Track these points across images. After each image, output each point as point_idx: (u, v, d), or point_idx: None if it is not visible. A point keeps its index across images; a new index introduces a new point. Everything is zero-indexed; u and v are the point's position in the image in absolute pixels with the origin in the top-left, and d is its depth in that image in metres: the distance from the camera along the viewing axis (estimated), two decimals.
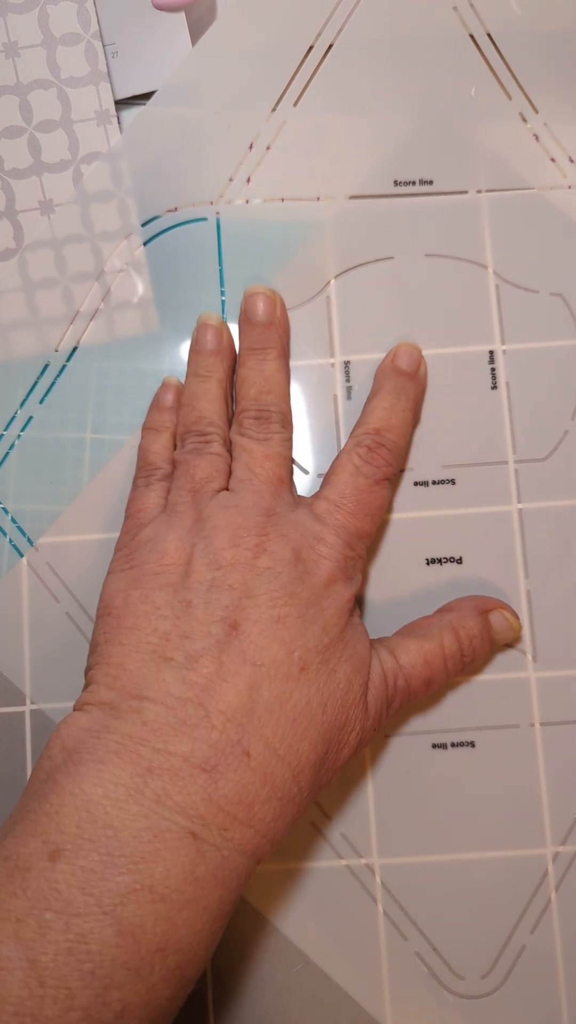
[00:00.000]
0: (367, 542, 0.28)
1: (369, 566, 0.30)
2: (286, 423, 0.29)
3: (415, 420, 0.31)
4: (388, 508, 0.30)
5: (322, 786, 0.26)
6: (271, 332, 0.30)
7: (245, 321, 0.31)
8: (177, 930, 0.21)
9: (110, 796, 0.22)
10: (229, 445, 0.29)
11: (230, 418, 0.30)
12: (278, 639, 0.25)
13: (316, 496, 0.28)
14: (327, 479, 0.29)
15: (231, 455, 0.29)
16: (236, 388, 0.30)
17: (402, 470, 0.31)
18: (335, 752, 0.25)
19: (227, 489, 0.28)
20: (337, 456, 0.29)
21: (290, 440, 0.30)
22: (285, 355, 0.31)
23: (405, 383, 0.30)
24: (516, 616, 0.29)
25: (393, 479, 0.29)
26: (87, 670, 0.26)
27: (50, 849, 0.21)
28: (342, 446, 0.30)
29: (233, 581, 0.25)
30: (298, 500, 0.28)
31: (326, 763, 0.25)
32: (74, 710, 0.25)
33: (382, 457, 0.28)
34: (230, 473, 0.28)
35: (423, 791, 0.30)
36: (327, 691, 0.25)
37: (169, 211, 0.32)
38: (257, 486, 0.27)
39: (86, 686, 0.25)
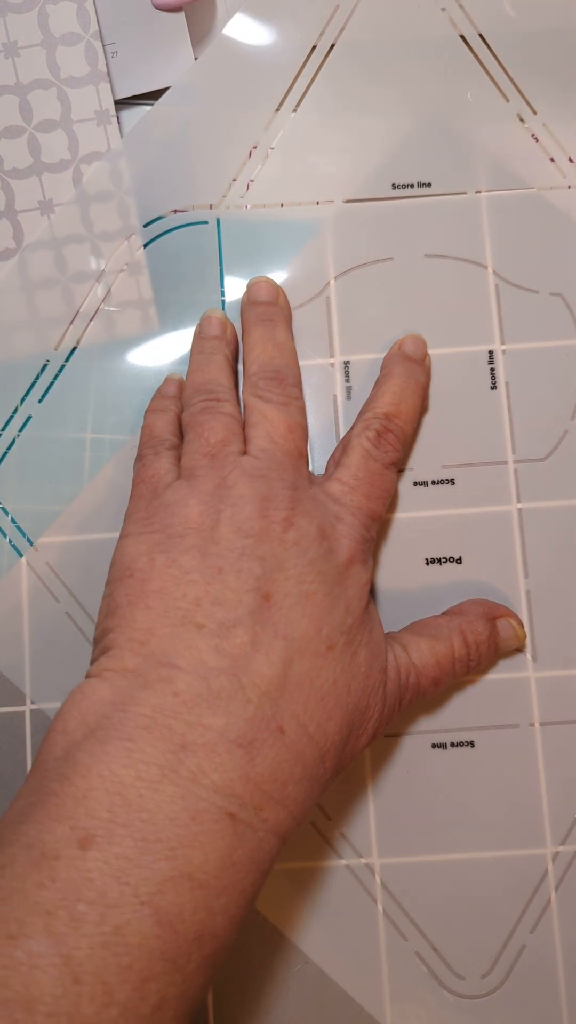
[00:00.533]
0: (378, 525, 0.28)
1: None
2: (301, 389, 0.29)
3: (423, 408, 0.31)
4: (392, 502, 0.30)
5: (340, 772, 0.25)
6: (276, 308, 0.30)
7: (249, 303, 0.31)
8: (214, 917, 0.21)
9: (143, 777, 0.21)
10: (239, 411, 0.28)
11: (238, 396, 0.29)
12: (307, 615, 0.24)
13: (328, 477, 0.28)
14: (339, 461, 0.28)
15: (244, 421, 0.28)
16: (244, 356, 0.30)
17: (403, 466, 0.31)
18: (355, 737, 0.25)
19: (245, 454, 0.27)
20: (345, 439, 0.29)
21: (305, 410, 0.29)
22: (291, 333, 0.30)
23: (414, 368, 0.30)
24: (522, 625, 0.29)
25: (399, 465, 0.29)
26: (103, 633, 0.24)
27: (80, 836, 0.20)
28: (328, 458, 0.30)
29: (263, 552, 0.24)
30: (312, 478, 0.28)
31: (347, 747, 0.25)
32: (90, 676, 0.23)
33: (389, 443, 0.28)
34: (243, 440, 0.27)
35: (423, 791, 0.30)
36: (351, 673, 0.24)
37: (170, 213, 0.32)
38: (280, 458, 0.27)
39: (104, 650, 0.24)
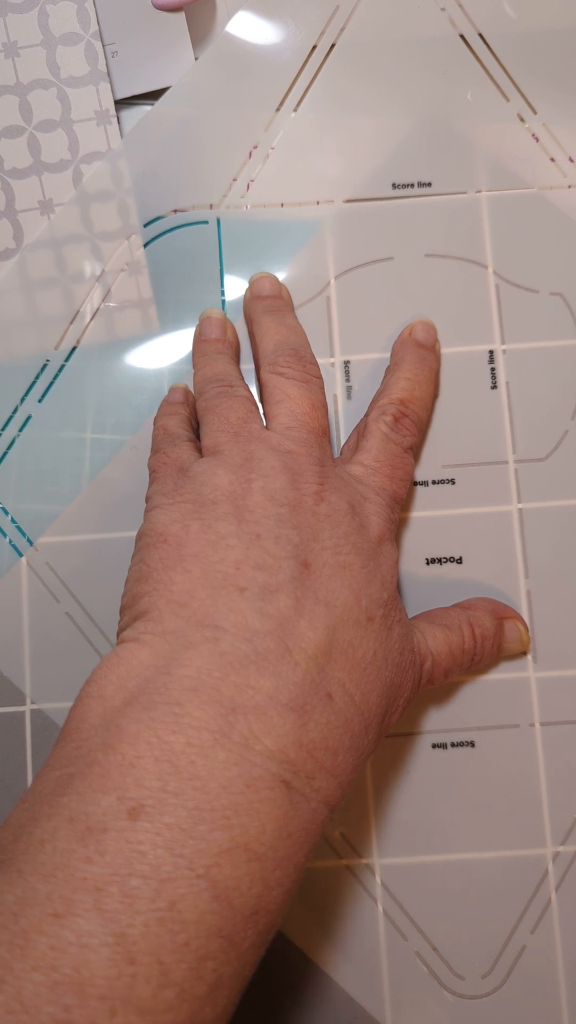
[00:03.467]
0: (400, 508, 0.28)
1: None
2: (319, 368, 0.29)
3: (435, 394, 0.31)
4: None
5: (376, 747, 0.24)
6: (281, 301, 0.30)
7: (253, 298, 0.31)
8: (270, 891, 0.19)
9: (193, 743, 0.20)
10: (253, 397, 0.28)
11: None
12: (347, 585, 0.23)
13: (348, 461, 0.28)
14: (358, 446, 0.28)
15: (263, 400, 0.28)
16: (257, 341, 0.29)
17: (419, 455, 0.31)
18: (391, 713, 0.24)
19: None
20: (361, 425, 0.29)
21: (325, 389, 0.29)
22: (299, 322, 0.30)
23: (426, 354, 0.30)
24: (527, 630, 0.29)
25: (416, 451, 0.29)
26: (136, 598, 0.23)
27: (129, 806, 0.19)
28: (342, 445, 0.30)
29: (298, 522, 0.24)
30: (334, 460, 0.28)
31: (384, 722, 0.24)
32: (124, 641, 0.22)
33: (406, 427, 0.28)
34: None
35: (423, 791, 0.30)
36: (388, 647, 0.24)
37: (170, 213, 0.32)
38: (305, 436, 0.26)
39: (139, 615, 0.23)
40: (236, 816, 0.19)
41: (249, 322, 0.31)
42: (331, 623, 0.23)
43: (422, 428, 0.30)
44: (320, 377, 0.28)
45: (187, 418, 0.30)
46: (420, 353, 0.30)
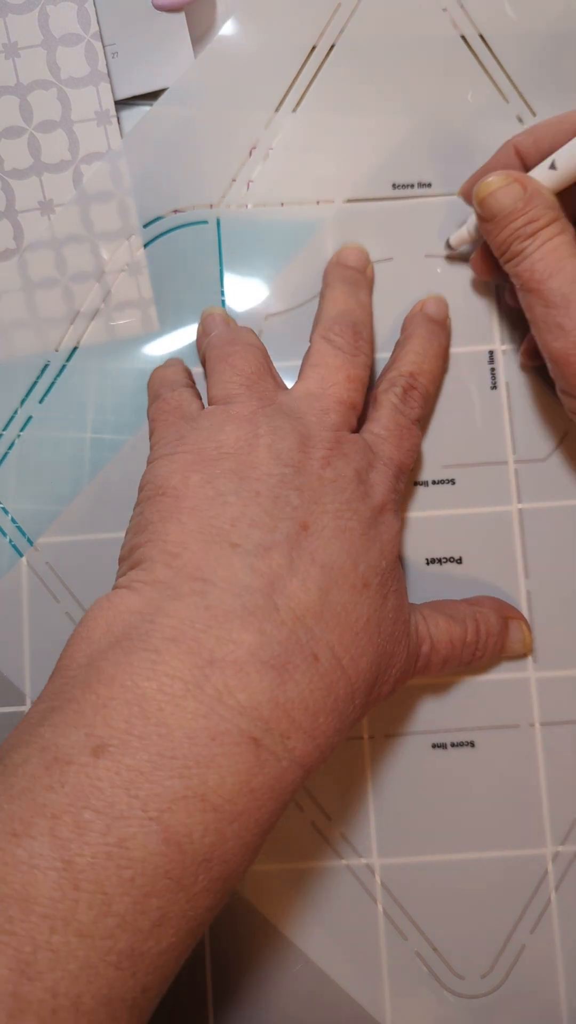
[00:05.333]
0: (405, 479, 0.28)
1: None
2: (373, 349, 0.28)
3: (444, 368, 0.31)
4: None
5: (364, 715, 0.24)
6: (362, 276, 0.30)
7: (336, 263, 0.30)
8: (225, 842, 0.20)
9: (165, 691, 0.20)
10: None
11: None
12: (344, 549, 0.23)
13: (359, 428, 0.28)
14: (368, 416, 0.28)
15: (302, 363, 0.28)
16: (322, 306, 0.29)
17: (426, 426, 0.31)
18: (381, 683, 0.24)
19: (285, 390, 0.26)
20: (372, 396, 0.29)
21: (371, 367, 0.28)
22: (371, 302, 0.30)
23: (436, 329, 0.30)
24: (531, 632, 0.29)
25: (423, 423, 0.29)
26: (132, 549, 0.24)
27: (94, 744, 0.20)
28: None
29: (301, 483, 0.24)
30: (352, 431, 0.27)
31: (373, 691, 0.24)
32: (116, 588, 0.23)
33: (415, 399, 0.28)
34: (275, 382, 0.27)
35: (423, 791, 0.30)
36: (382, 614, 0.24)
37: (170, 213, 0.32)
38: (326, 404, 0.26)
39: (133, 565, 0.23)
40: (196, 766, 0.20)
41: (324, 285, 0.30)
42: (325, 585, 0.23)
43: (430, 401, 0.30)
44: (370, 356, 0.28)
45: (185, 369, 0.30)
46: (431, 327, 0.30)
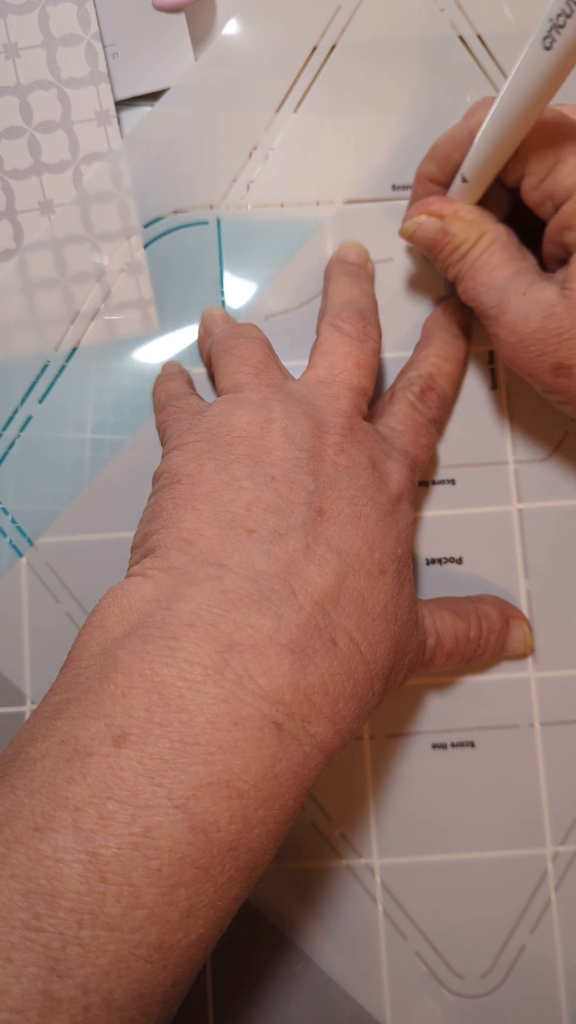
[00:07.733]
0: (419, 475, 0.28)
1: None
2: (380, 335, 0.28)
3: (463, 372, 0.31)
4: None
5: (381, 702, 0.24)
6: (363, 271, 0.30)
7: (338, 260, 0.30)
8: (252, 829, 0.20)
9: (185, 677, 0.20)
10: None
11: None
12: (361, 535, 0.23)
13: (375, 422, 0.28)
14: (384, 411, 0.28)
15: (311, 352, 0.28)
16: (328, 296, 0.29)
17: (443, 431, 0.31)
18: (396, 671, 0.24)
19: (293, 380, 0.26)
20: (388, 392, 0.29)
21: (379, 354, 0.28)
22: (375, 294, 0.30)
23: (457, 332, 0.30)
24: (531, 633, 0.29)
25: (439, 424, 0.30)
26: (146, 536, 0.23)
27: (115, 733, 0.19)
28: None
29: (315, 468, 0.24)
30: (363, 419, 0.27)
31: (390, 678, 0.24)
32: (132, 576, 0.22)
33: (432, 400, 0.28)
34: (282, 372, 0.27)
35: (423, 791, 0.30)
36: (399, 602, 0.24)
37: (171, 213, 0.32)
38: (336, 391, 0.26)
39: (147, 552, 0.23)
40: (220, 752, 0.19)
41: (326, 280, 0.30)
42: (342, 571, 0.22)
43: (447, 403, 0.30)
44: (378, 342, 0.28)
45: (187, 379, 0.30)
46: (452, 330, 0.30)
